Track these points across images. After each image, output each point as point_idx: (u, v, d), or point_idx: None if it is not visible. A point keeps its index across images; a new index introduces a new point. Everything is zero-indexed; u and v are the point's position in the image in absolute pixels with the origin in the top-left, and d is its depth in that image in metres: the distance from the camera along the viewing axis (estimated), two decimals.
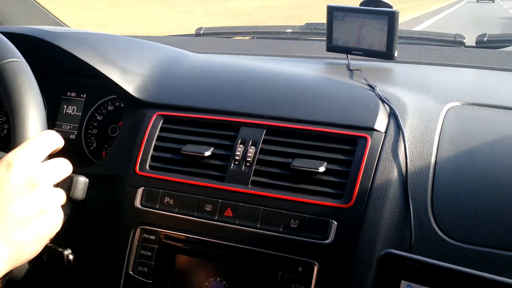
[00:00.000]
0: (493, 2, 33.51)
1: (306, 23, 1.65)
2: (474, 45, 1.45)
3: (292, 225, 0.85)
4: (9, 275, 0.72)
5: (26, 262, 0.72)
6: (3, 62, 0.79)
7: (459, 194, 0.82)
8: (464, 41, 1.44)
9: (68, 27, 1.62)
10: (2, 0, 1.49)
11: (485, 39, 1.44)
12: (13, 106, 0.76)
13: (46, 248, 0.76)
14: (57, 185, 0.76)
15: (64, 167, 0.76)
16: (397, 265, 0.66)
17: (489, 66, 1.27)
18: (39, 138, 0.74)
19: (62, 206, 0.75)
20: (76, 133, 1.18)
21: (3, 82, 0.78)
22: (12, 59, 0.80)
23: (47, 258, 0.83)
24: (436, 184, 0.83)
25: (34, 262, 0.76)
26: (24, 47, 0.86)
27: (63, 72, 1.21)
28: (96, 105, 1.18)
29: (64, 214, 0.75)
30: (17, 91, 0.77)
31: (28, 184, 0.70)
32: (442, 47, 1.46)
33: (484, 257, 0.77)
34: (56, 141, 0.76)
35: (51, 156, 0.76)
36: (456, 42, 1.45)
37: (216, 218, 0.89)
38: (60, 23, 1.62)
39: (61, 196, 0.76)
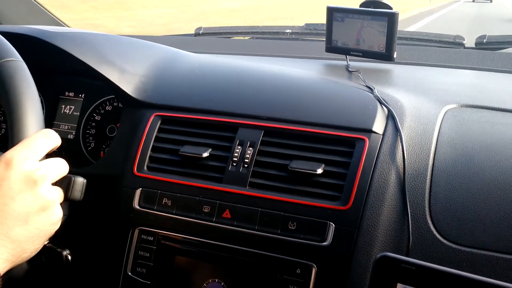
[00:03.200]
0: (491, 1, 32.45)
1: (306, 24, 1.65)
2: (474, 46, 1.45)
3: (290, 227, 0.85)
4: (9, 275, 0.73)
5: (26, 260, 0.73)
6: (0, 61, 0.79)
7: (457, 196, 0.82)
8: (464, 42, 1.44)
9: (68, 26, 1.62)
10: None
11: (484, 40, 1.43)
12: (10, 105, 0.76)
13: (44, 248, 0.76)
14: (55, 185, 0.76)
15: (61, 166, 0.77)
16: (393, 268, 0.66)
17: (488, 67, 1.27)
18: (37, 137, 0.75)
19: (60, 206, 0.76)
20: (74, 133, 1.18)
21: (1, 82, 0.78)
22: (10, 59, 0.80)
23: (46, 258, 0.84)
24: (434, 186, 0.83)
25: (33, 262, 0.77)
26: (23, 46, 0.86)
27: (62, 72, 1.21)
28: (94, 105, 1.18)
29: (63, 215, 0.76)
30: (14, 90, 0.77)
31: (27, 181, 0.70)
32: (442, 48, 1.46)
33: (482, 259, 0.77)
34: (54, 139, 0.77)
35: (49, 155, 0.76)
36: (456, 43, 1.44)
37: (214, 219, 0.89)
38: (60, 23, 1.62)
39: (60, 194, 0.77)
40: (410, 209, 0.82)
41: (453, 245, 0.79)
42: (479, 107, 0.98)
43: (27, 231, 0.70)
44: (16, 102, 0.76)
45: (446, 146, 0.88)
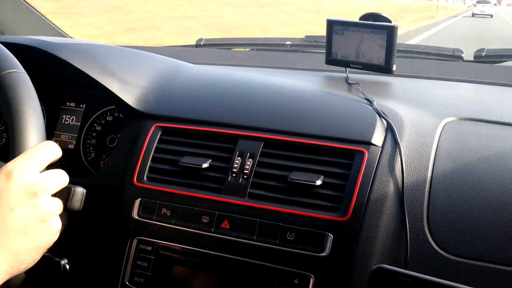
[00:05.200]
0: (491, 17, 32.39)
1: (306, 36, 1.66)
2: (472, 59, 1.46)
3: (288, 238, 0.86)
4: (6, 284, 0.73)
5: (24, 271, 0.73)
6: (3, 73, 0.80)
7: (455, 209, 0.82)
8: (462, 55, 1.44)
9: (69, 37, 1.63)
10: (4, 9, 1.50)
11: (483, 53, 1.44)
12: (12, 116, 0.77)
13: (43, 257, 0.76)
14: (55, 195, 0.77)
15: (62, 178, 0.77)
16: (389, 280, 0.66)
17: (486, 81, 1.28)
18: (38, 149, 0.75)
19: (59, 216, 0.76)
20: (74, 143, 1.18)
21: (3, 93, 0.78)
22: (12, 70, 0.81)
23: (44, 267, 0.84)
24: (432, 198, 0.84)
25: (31, 272, 0.77)
26: (24, 57, 0.86)
27: (63, 82, 1.21)
28: (95, 115, 1.18)
29: (62, 224, 0.76)
30: (16, 101, 0.77)
31: (27, 193, 0.70)
32: (440, 61, 1.46)
33: (480, 271, 0.77)
34: (55, 151, 0.77)
35: (49, 165, 0.77)
36: (455, 56, 1.45)
37: (213, 230, 0.90)
38: (61, 33, 1.63)
39: (59, 205, 0.77)
40: (408, 220, 0.82)
41: (451, 257, 0.79)
42: (477, 120, 0.98)
43: (26, 242, 0.70)
44: (18, 113, 0.77)
45: (444, 159, 0.88)
